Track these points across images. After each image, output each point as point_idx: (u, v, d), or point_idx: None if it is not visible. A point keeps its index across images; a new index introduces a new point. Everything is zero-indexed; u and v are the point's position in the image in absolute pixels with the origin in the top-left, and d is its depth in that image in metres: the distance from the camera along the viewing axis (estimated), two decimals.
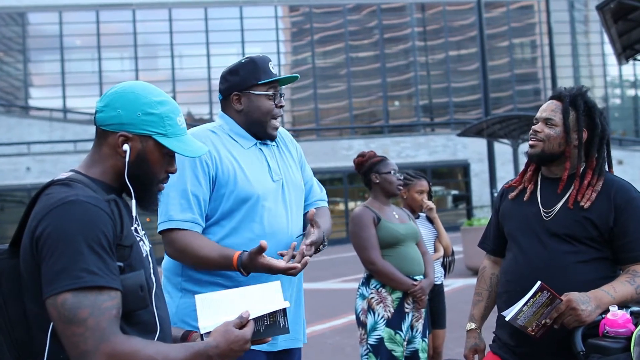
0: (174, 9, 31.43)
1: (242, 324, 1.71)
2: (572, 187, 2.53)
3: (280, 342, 2.55)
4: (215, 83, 31.34)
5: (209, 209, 2.51)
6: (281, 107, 2.63)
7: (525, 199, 2.63)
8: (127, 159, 1.71)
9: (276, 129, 2.64)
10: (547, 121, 2.55)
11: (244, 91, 2.60)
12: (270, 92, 2.59)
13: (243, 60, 2.62)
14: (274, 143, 2.71)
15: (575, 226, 2.47)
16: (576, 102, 2.54)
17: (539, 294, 2.33)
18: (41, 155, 26.58)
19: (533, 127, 2.59)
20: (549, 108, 2.57)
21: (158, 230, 2.47)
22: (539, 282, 2.33)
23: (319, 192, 2.88)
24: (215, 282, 2.48)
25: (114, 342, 1.53)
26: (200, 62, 31.67)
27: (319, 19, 33.01)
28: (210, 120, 30.70)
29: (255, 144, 2.64)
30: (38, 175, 25.78)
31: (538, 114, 2.60)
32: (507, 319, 2.38)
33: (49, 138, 27.60)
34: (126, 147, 1.71)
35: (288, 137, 2.84)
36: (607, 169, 2.60)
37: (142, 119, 1.72)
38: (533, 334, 2.38)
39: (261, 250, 2.27)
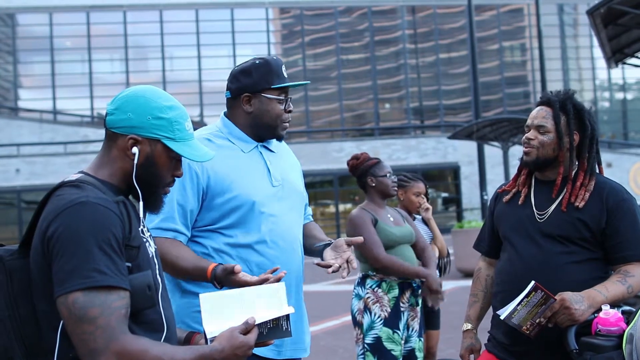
0: (165, 10, 31.40)
1: (247, 330, 1.73)
2: (565, 189, 2.58)
3: (286, 351, 2.53)
4: (206, 85, 31.51)
5: (207, 218, 2.49)
6: (290, 112, 2.61)
7: (520, 202, 2.68)
8: (135, 161, 1.75)
9: (284, 129, 2.62)
10: (539, 128, 2.59)
11: (255, 93, 2.55)
12: (282, 97, 2.57)
13: (257, 62, 2.57)
14: (274, 150, 2.68)
15: (569, 227, 2.52)
16: (566, 106, 2.59)
17: (533, 293, 2.37)
18: (31, 157, 26.49)
19: (526, 135, 2.63)
20: (539, 115, 2.61)
21: None
22: (532, 282, 2.38)
23: (309, 209, 2.89)
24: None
25: (123, 340, 1.57)
26: (191, 64, 31.66)
27: (310, 21, 33.06)
28: (201, 122, 30.69)
29: (257, 146, 2.61)
30: (28, 177, 25.70)
31: (529, 121, 2.64)
32: (501, 317, 2.43)
33: (38, 140, 27.50)
34: (135, 149, 1.75)
35: (287, 147, 2.83)
36: (597, 170, 2.66)
37: (151, 123, 1.76)
38: (528, 332, 2.43)
39: (234, 272, 2.23)
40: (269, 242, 2.47)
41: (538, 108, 2.65)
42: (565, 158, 2.59)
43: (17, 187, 25.73)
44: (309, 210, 2.89)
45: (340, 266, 2.41)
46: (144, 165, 1.76)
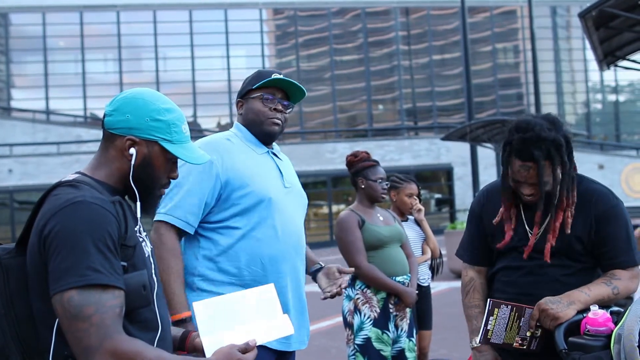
0: (159, 10, 31.34)
1: (247, 349, 1.75)
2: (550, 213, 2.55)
3: (293, 344, 2.68)
4: (199, 85, 31.50)
5: (224, 213, 2.62)
6: (276, 110, 2.77)
7: (512, 225, 2.63)
8: (133, 162, 1.78)
9: (275, 125, 2.77)
10: (534, 185, 2.51)
11: (244, 97, 2.80)
12: (263, 95, 2.75)
13: (252, 73, 2.84)
14: (280, 158, 2.85)
15: (561, 243, 2.53)
16: (550, 153, 2.47)
17: (497, 310, 2.40)
18: (24, 157, 26.36)
19: (523, 191, 2.54)
20: (531, 175, 2.49)
21: (155, 218, 2.55)
22: (489, 300, 2.41)
23: None
24: (230, 282, 2.59)
25: (117, 339, 1.58)
26: (185, 65, 31.60)
27: (304, 22, 33.07)
28: (194, 122, 30.67)
29: (268, 152, 2.80)
30: (20, 177, 25.58)
31: (520, 178, 2.53)
32: (477, 342, 2.46)
33: (31, 140, 27.39)
34: (133, 150, 1.78)
35: (290, 162, 3.00)
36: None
37: (149, 125, 1.79)
38: (525, 348, 2.46)
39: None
40: (280, 238, 2.62)
41: (527, 167, 2.49)
42: (556, 188, 2.51)
43: (9, 187, 25.60)
44: None
45: (337, 293, 2.71)
46: (141, 166, 1.79)
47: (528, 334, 2.44)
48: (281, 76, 2.77)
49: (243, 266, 2.58)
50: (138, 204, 1.80)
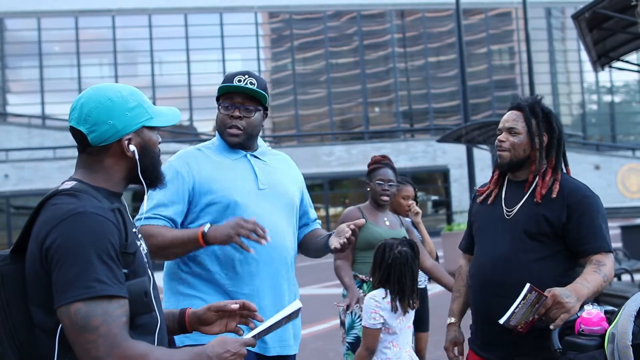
0: (154, 15, 31.32)
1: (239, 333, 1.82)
2: (535, 185, 2.70)
3: (272, 348, 2.65)
4: (195, 89, 31.49)
5: (194, 214, 2.65)
6: (233, 117, 2.71)
7: (489, 202, 2.79)
8: (137, 157, 1.82)
9: (230, 135, 2.73)
10: (510, 130, 2.73)
11: (218, 107, 2.79)
12: (221, 103, 2.75)
13: None
14: (265, 159, 2.83)
15: (531, 222, 2.64)
16: (534, 109, 2.73)
17: (528, 295, 2.43)
18: (20, 162, 26.32)
19: (498, 137, 2.77)
20: (510, 118, 2.75)
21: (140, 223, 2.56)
22: (527, 284, 2.44)
23: (314, 215, 3.05)
24: (211, 279, 2.61)
25: (125, 347, 1.61)
26: (180, 69, 31.57)
27: (299, 26, 33.08)
28: (191, 126, 30.67)
29: (245, 155, 2.78)
30: (17, 182, 25.54)
31: (501, 125, 2.77)
32: (501, 322, 2.49)
33: (27, 145, 27.35)
34: (132, 147, 1.81)
35: (290, 162, 2.98)
36: (564, 170, 2.79)
37: (131, 117, 1.81)
38: (521, 330, 2.50)
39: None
40: (250, 241, 2.56)
41: (509, 112, 2.78)
42: (537, 158, 2.70)
43: (6, 193, 25.54)
44: (314, 214, 3.05)
45: (343, 244, 2.58)
46: (142, 155, 1.83)
47: (530, 319, 2.48)
48: (244, 80, 2.69)
49: (217, 269, 2.61)
50: (145, 197, 1.86)
